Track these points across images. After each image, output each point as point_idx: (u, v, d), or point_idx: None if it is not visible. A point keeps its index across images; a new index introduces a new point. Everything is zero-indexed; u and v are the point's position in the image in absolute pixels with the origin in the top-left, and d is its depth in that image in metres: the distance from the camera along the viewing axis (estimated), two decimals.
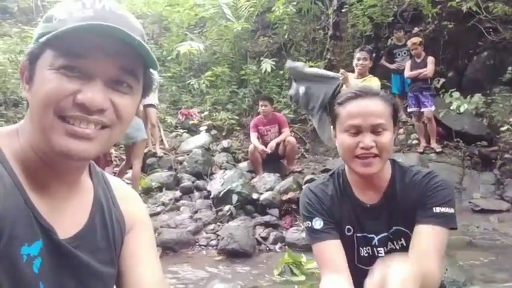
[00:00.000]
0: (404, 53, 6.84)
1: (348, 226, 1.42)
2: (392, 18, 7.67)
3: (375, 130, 1.29)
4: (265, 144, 6.17)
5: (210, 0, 8.74)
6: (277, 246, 4.26)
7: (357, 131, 1.30)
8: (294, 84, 5.79)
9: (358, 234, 1.42)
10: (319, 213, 1.40)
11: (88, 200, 0.84)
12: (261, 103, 6.27)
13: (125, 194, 0.94)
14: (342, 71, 4.83)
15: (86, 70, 0.68)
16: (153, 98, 6.54)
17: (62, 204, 0.77)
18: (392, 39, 7.25)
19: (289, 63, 6.11)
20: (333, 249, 1.35)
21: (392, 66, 6.96)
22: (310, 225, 1.39)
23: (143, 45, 0.71)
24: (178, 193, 5.61)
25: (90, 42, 0.67)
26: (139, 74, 0.76)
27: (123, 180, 5.68)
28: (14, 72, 8.47)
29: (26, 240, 0.67)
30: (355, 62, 4.83)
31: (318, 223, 1.38)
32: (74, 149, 0.68)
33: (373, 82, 4.54)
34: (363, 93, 1.33)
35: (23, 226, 0.67)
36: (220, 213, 4.87)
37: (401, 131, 6.57)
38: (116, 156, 6.42)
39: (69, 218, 0.78)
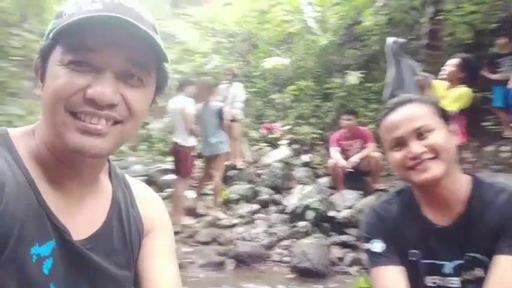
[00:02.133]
0: (508, 62, 6.07)
1: (412, 250, 1.23)
2: (496, 24, 6.89)
3: (420, 134, 1.15)
4: (347, 159, 5.89)
5: (297, 15, 8.78)
6: (353, 269, 3.97)
7: (401, 143, 1.16)
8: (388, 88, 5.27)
9: (424, 261, 1.22)
10: (380, 235, 1.24)
11: (106, 201, 0.82)
12: (345, 117, 6.02)
13: (145, 197, 0.91)
14: (421, 73, 4.35)
15: (95, 64, 0.67)
16: (238, 113, 6.69)
17: (78, 204, 0.76)
18: (494, 48, 6.49)
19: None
20: (393, 277, 1.18)
21: (494, 77, 6.21)
22: (369, 247, 1.25)
23: (151, 36, 0.67)
24: (255, 206, 5.60)
25: (98, 35, 0.66)
26: (151, 67, 0.73)
27: (203, 191, 5.87)
28: None
29: (37, 239, 0.66)
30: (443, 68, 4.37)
31: (378, 246, 1.23)
32: (86, 145, 0.67)
33: (459, 92, 4.03)
34: (394, 105, 1.22)
35: (35, 225, 0.66)
36: (295, 229, 4.73)
37: (504, 148, 5.79)
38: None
39: (84, 218, 0.76)
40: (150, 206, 0.90)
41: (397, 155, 1.17)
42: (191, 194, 5.92)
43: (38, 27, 8.99)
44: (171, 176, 5.52)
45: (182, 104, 5.15)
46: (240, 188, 6.02)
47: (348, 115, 5.98)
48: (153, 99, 0.79)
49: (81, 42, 0.66)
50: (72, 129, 0.66)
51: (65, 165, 0.73)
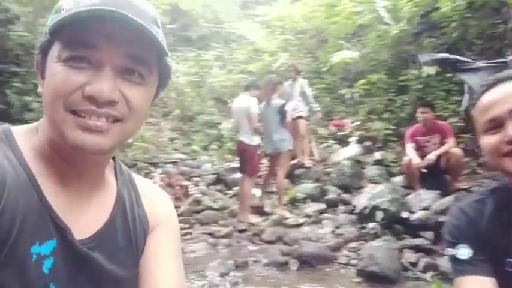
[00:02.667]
0: None
1: (509, 259, 1.03)
2: None
3: None
4: (424, 156, 5.45)
5: (367, 6, 8.38)
6: (428, 275, 3.63)
7: (497, 125, 0.99)
8: (466, 96, 4.87)
9: None
10: (468, 239, 1.07)
11: (110, 200, 0.80)
12: (420, 110, 5.58)
13: (151, 194, 0.88)
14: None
15: (93, 60, 0.65)
16: (303, 110, 6.56)
17: (81, 202, 0.74)
18: None
19: (430, 57, 5.12)
20: None
21: None
22: (453, 253, 1.09)
23: (149, 30, 0.65)
24: (322, 206, 5.43)
25: (95, 30, 0.64)
26: (152, 63, 0.70)
27: (269, 190, 5.82)
28: (191, 91, 9.72)
29: (37, 238, 0.65)
30: None
31: (464, 252, 1.07)
32: (87, 142, 0.65)
33: None
34: (493, 82, 1.02)
35: (35, 224, 0.65)
36: (363, 231, 4.47)
37: None
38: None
39: (87, 217, 0.74)
40: (156, 203, 0.88)
41: (491, 139, 1.00)
42: (258, 193, 5.92)
43: None
44: (239, 175, 5.55)
45: (246, 103, 5.16)
46: (307, 186, 5.89)
47: (423, 108, 5.53)
48: (156, 95, 0.77)
49: (78, 38, 0.64)
50: (73, 127, 0.65)
51: (67, 162, 0.71)
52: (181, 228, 4.95)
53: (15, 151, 0.68)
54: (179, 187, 5.82)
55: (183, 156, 7.56)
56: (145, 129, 8.18)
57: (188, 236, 4.81)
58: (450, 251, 1.10)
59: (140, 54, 0.67)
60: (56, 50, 0.66)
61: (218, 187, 6.30)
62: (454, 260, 1.09)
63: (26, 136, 0.72)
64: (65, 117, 0.65)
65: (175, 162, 7.14)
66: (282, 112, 5.36)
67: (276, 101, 5.42)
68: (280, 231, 4.88)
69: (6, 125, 0.73)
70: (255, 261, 4.13)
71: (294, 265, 4.04)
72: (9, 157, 0.66)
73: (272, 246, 4.59)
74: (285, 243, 4.62)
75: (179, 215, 5.29)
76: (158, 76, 0.74)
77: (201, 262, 4.06)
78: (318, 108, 7.07)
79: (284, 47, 9.95)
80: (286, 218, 5.23)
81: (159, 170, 6.65)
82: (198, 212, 5.43)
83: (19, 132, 0.72)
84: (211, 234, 4.87)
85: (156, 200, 0.88)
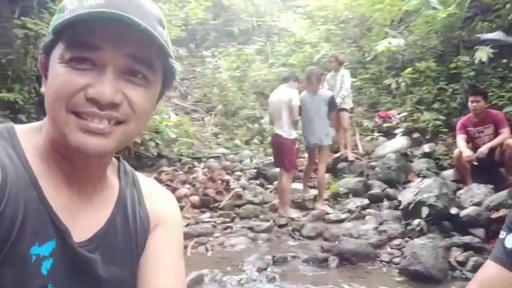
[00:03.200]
0: None
1: None
2: None
3: None
4: (476, 148, 5.11)
5: None
6: None
7: None
8: None
9: None
10: None
11: (111, 200, 0.79)
12: (471, 98, 5.23)
13: (153, 192, 0.87)
14: None
15: (96, 61, 0.64)
16: (346, 102, 6.38)
17: (82, 203, 0.74)
18: None
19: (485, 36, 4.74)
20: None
21: None
22: (502, 237, 1.04)
23: (151, 31, 0.64)
24: (366, 201, 5.27)
25: (98, 31, 0.63)
26: (156, 64, 0.69)
27: (310, 184, 5.72)
28: (232, 86, 9.77)
29: (36, 239, 0.65)
30: None
31: (511, 241, 1.01)
32: (89, 144, 0.65)
33: None
34: None
35: (35, 225, 0.65)
36: (408, 227, 4.27)
37: None
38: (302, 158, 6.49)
39: (88, 217, 0.74)
40: (158, 200, 0.86)
41: None
42: (300, 187, 5.85)
43: None
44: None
45: (287, 95, 5.06)
46: (350, 181, 5.73)
47: (474, 96, 5.18)
48: (160, 96, 0.76)
49: (81, 39, 0.64)
50: (75, 129, 0.64)
51: (69, 162, 0.71)
52: (222, 222, 5.05)
53: (17, 150, 0.68)
54: (221, 181, 5.88)
55: (226, 151, 7.63)
56: (190, 124, 8.35)
57: (228, 230, 4.84)
58: (501, 234, 1.05)
59: (144, 56, 0.66)
60: (59, 50, 0.65)
61: (259, 181, 6.29)
62: (499, 244, 1.04)
63: (29, 135, 0.72)
64: (67, 118, 0.64)
65: (217, 156, 7.23)
66: (331, 103, 5.21)
67: (325, 91, 5.28)
68: (321, 227, 4.78)
69: (10, 123, 0.74)
70: (293, 257, 4.08)
71: (333, 262, 3.94)
72: (11, 156, 0.66)
73: (312, 242, 4.51)
74: (325, 239, 4.53)
75: (220, 208, 5.41)
76: (162, 77, 0.73)
77: (240, 256, 4.07)
78: (346, 93, 6.58)
79: (326, 37, 9.72)
80: (328, 213, 5.12)
81: (202, 164, 6.76)
82: (238, 206, 5.45)
83: (22, 130, 0.72)
84: (251, 229, 4.87)
85: (158, 199, 0.87)
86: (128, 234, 0.79)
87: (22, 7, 5.79)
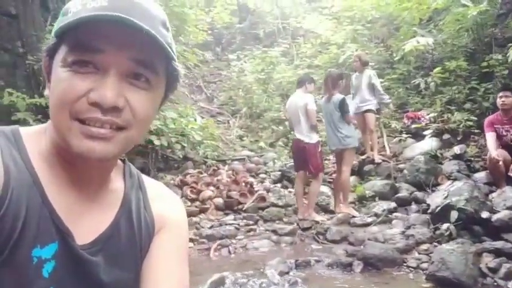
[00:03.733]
0: None
1: None
2: None
3: None
4: (503, 147, 4.91)
5: None
6: (510, 283, 3.24)
7: None
8: None
9: None
10: None
11: (115, 203, 0.78)
12: (500, 94, 5.04)
13: (159, 195, 0.86)
14: None
15: (98, 64, 0.64)
16: (371, 103, 6.26)
17: (86, 205, 0.74)
18: None
19: None
20: None
21: None
22: None
23: (154, 34, 0.63)
24: (393, 204, 5.13)
25: (100, 35, 0.63)
26: (159, 67, 0.68)
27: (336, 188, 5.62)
28: (257, 88, 9.77)
29: (38, 241, 0.65)
30: None
31: None
32: (91, 149, 0.64)
33: None
34: None
35: (37, 227, 0.65)
36: (437, 232, 4.13)
37: None
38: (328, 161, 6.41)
39: (91, 220, 0.74)
40: (164, 204, 0.85)
41: None
42: (324, 190, 5.77)
43: (190, 39, 10.06)
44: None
45: (303, 100, 5.03)
46: (377, 183, 5.60)
47: (504, 91, 4.97)
48: (163, 100, 0.75)
49: (84, 42, 0.63)
50: (78, 135, 0.64)
51: (73, 166, 0.71)
52: (246, 225, 5.04)
53: (21, 152, 0.68)
54: (245, 184, 5.88)
55: (250, 153, 7.63)
56: (215, 127, 8.40)
57: (252, 233, 4.83)
58: None
59: (146, 59, 0.66)
60: (61, 53, 0.65)
61: (283, 184, 6.25)
62: None
63: (33, 138, 0.72)
64: (71, 125, 0.64)
65: (242, 159, 7.23)
66: (342, 107, 5.13)
67: (336, 96, 5.21)
68: (346, 231, 4.70)
69: (16, 126, 0.73)
70: (317, 261, 4.02)
71: (358, 267, 3.86)
72: (15, 158, 0.66)
73: (336, 246, 4.44)
74: (350, 243, 4.44)
75: (244, 211, 5.40)
76: (166, 80, 0.72)
77: (263, 259, 4.05)
78: (390, 100, 6.69)
79: (353, 38, 9.56)
80: (353, 217, 5.02)
81: (227, 166, 6.78)
82: (262, 208, 5.43)
83: (27, 133, 0.72)
84: (274, 232, 4.84)
85: (164, 203, 0.86)
86: (131, 238, 0.78)
87: (54, 14, 5.99)
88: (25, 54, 5.48)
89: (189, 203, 5.46)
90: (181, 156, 6.85)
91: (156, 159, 6.70)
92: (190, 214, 5.20)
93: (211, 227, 4.85)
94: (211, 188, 5.79)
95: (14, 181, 0.63)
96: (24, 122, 4.79)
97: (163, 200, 0.86)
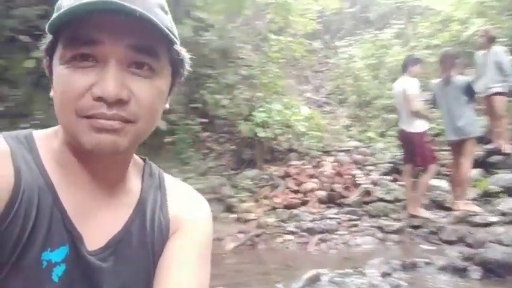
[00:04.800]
0: None
1: None
2: None
3: None
4: None
5: None
6: None
7: None
8: None
9: None
10: None
11: (130, 204, 0.76)
12: None
13: (180, 196, 0.81)
14: None
15: (97, 56, 0.62)
16: (500, 84, 5.42)
17: (98, 208, 0.72)
18: None
19: None
20: None
21: None
22: None
23: (149, 18, 0.59)
24: None
25: (94, 24, 0.60)
26: (160, 52, 0.65)
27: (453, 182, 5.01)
28: (367, 75, 9.29)
29: (49, 244, 0.64)
30: None
31: None
32: (102, 142, 0.62)
33: None
34: None
35: (48, 229, 0.65)
36: None
37: None
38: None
39: (103, 222, 0.72)
40: (184, 206, 0.80)
41: None
42: (441, 184, 5.21)
43: (298, 29, 9.99)
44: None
45: (403, 85, 4.58)
46: (504, 177, 4.87)
47: None
48: (172, 86, 0.71)
49: (78, 35, 0.61)
50: (86, 130, 0.63)
51: (85, 165, 0.70)
52: (349, 219, 4.82)
53: (33, 155, 0.68)
54: (349, 176, 5.64)
55: (358, 144, 7.28)
56: (321, 117, 8.22)
57: (354, 228, 4.61)
58: None
59: (145, 45, 0.62)
60: (59, 50, 0.63)
61: (392, 177, 5.81)
62: None
63: (45, 139, 0.72)
64: (78, 122, 0.63)
65: (348, 150, 6.95)
66: (469, 91, 4.51)
67: (460, 78, 4.60)
68: (463, 230, 4.18)
69: (30, 129, 0.74)
70: (426, 263, 3.64)
71: (475, 273, 3.39)
72: (27, 160, 0.66)
73: (450, 248, 3.98)
74: (468, 245, 3.94)
75: (347, 205, 5.17)
76: (171, 66, 0.68)
77: (364, 258, 3.82)
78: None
79: (479, 11, 8.39)
80: (473, 215, 4.42)
81: (331, 158, 6.59)
82: (367, 203, 5.14)
83: (40, 136, 0.72)
84: (380, 228, 4.55)
85: (184, 204, 0.81)
86: (144, 242, 0.74)
87: None
88: None
89: (291, 195, 5.45)
90: (286, 148, 6.87)
91: (263, 151, 6.84)
92: (291, 206, 5.19)
93: (312, 220, 4.76)
94: (314, 180, 5.69)
95: (25, 183, 0.63)
96: None
97: (183, 202, 0.81)
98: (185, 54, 0.70)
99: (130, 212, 0.74)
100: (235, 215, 5.08)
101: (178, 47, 0.67)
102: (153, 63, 0.63)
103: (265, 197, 5.49)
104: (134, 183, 0.77)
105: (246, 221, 4.94)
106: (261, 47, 8.22)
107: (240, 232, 4.57)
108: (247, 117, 6.67)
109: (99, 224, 0.70)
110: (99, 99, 0.60)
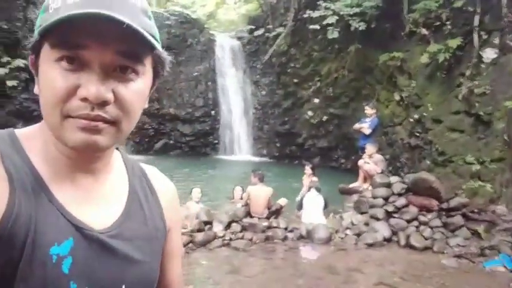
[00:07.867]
0: None
1: None
2: None
3: None
4: None
5: None
6: None
7: None
8: None
9: None
10: None
11: (122, 190, 0.82)
12: None
13: (164, 190, 0.91)
14: None
15: (83, 60, 0.65)
16: None
17: (94, 196, 0.77)
18: None
19: None
20: None
21: None
22: None
23: (132, 27, 0.64)
24: None
25: (82, 29, 0.64)
26: (144, 57, 0.70)
27: None
28: None
29: (55, 240, 0.67)
30: None
31: None
32: (85, 141, 0.67)
33: None
34: None
35: (50, 225, 0.68)
36: None
37: None
38: None
39: (102, 209, 0.77)
40: (170, 203, 0.91)
41: None
42: None
43: None
44: None
45: None
46: None
47: None
48: (152, 87, 0.77)
49: (66, 39, 0.64)
50: (70, 129, 0.66)
51: (72, 159, 0.73)
52: None
53: (21, 154, 0.71)
54: None
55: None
56: None
57: None
58: None
59: (130, 50, 0.67)
60: (46, 51, 0.66)
61: None
62: None
63: (30, 138, 0.74)
64: (63, 122, 0.66)
65: None
66: None
67: None
68: None
69: (10, 128, 0.76)
70: None
71: None
72: (15, 162, 0.69)
73: None
74: None
75: None
76: (153, 68, 0.74)
77: None
78: None
79: None
80: None
81: None
82: None
83: (23, 134, 0.75)
84: None
85: (169, 198, 0.91)
86: (143, 222, 0.81)
87: None
88: None
89: None
90: None
91: None
92: None
93: None
94: None
95: (19, 188, 0.66)
96: None
97: (167, 195, 0.91)
98: (166, 56, 0.75)
99: (126, 197, 0.81)
100: None
101: (159, 50, 0.71)
102: (137, 67, 0.68)
103: None
104: (119, 169, 0.84)
105: None
106: None
107: None
108: None
109: (100, 211, 0.75)
110: (85, 100, 0.64)
